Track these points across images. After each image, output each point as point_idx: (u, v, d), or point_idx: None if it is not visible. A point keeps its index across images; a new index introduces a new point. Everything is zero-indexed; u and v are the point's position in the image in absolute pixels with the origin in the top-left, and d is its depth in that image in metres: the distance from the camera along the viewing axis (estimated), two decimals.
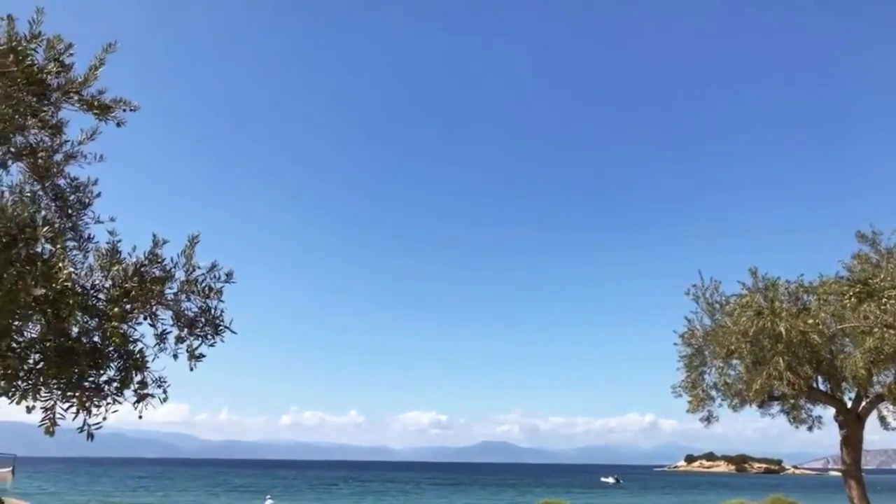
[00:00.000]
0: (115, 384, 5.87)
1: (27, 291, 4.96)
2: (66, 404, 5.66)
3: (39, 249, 5.29)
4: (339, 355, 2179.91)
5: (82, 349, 5.73)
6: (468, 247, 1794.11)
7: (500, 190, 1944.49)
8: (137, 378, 5.90)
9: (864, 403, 17.16)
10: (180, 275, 6.12)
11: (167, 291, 6.06)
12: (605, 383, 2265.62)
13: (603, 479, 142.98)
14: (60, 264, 5.22)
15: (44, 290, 5.06)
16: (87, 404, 5.68)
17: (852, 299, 14.10)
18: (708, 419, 17.96)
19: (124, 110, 6.54)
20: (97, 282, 6.02)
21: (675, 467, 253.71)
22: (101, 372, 5.88)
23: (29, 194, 6.43)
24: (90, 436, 5.72)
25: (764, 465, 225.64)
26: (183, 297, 6.13)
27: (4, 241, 4.99)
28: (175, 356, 6.14)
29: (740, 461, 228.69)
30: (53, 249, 5.35)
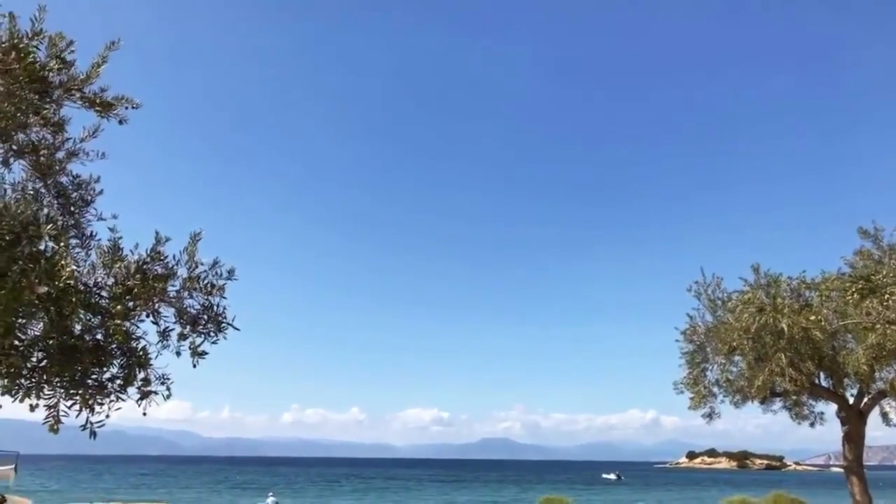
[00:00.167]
0: (118, 382, 5.86)
1: (31, 289, 4.95)
2: (70, 402, 5.66)
3: (42, 247, 5.28)
4: (340, 353, 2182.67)
5: (85, 347, 5.72)
6: (469, 244, 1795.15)
7: (500, 187, 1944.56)
8: (140, 375, 5.89)
9: (866, 400, 17.16)
10: (183, 272, 6.10)
11: (170, 289, 6.05)
12: (607, 380, 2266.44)
13: (605, 476, 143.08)
14: (63, 262, 5.21)
15: (47, 288, 5.05)
16: (90, 402, 5.68)
17: (855, 295, 14.09)
18: (710, 416, 17.96)
19: (126, 108, 6.54)
20: (100, 279, 6.01)
21: (677, 464, 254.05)
22: (104, 369, 5.87)
23: (31, 192, 6.43)
24: (93, 433, 5.72)
25: (765, 462, 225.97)
26: (185, 294, 6.12)
27: (8, 238, 4.98)
28: (178, 353, 6.14)
29: (742, 457, 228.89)
30: (56, 247, 5.34)
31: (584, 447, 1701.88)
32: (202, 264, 6.13)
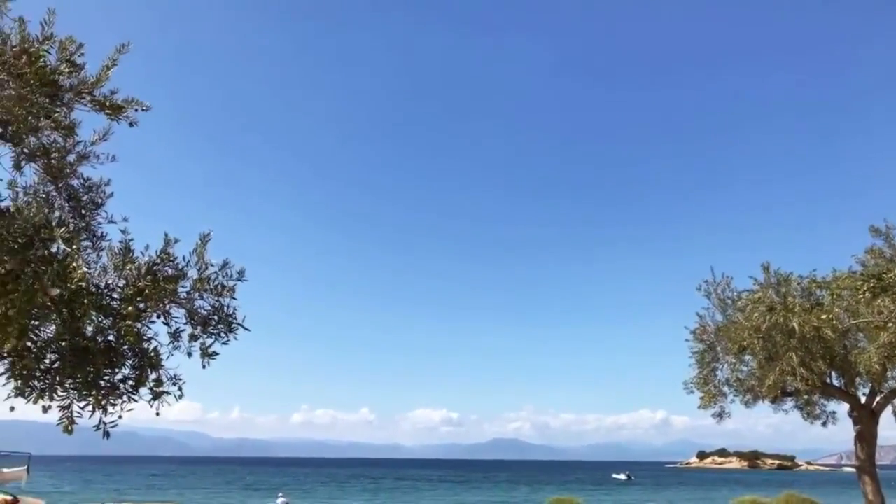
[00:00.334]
0: (130, 382, 5.91)
1: (43, 291, 5.00)
2: (83, 403, 5.70)
3: (55, 250, 5.33)
4: (349, 353, 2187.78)
5: (97, 348, 5.77)
6: (479, 244, 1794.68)
7: (505, 186, 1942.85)
8: (152, 376, 5.94)
9: (878, 399, 17.03)
10: (193, 273, 6.14)
11: (180, 290, 6.09)
12: (616, 380, 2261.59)
13: (615, 476, 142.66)
14: (75, 264, 5.26)
15: (59, 290, 5.10)
16: (103, 403, 5.72)
17: (866, 294, 13.97)
18: (720, 415, 17.87)
19: (136, 110, 6.58)
20: (111, 281, 6.06)
21: (687, 464, 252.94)
22: (117, 371, 5.92)
23: (43, 195, 6.49)
24: (106, 434, 5.77)
25: (777, 462, 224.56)
26: (196, 295, 6.16)
27: (21, 241, 5.03)
28: (189, 354, 6.18)
29: (753, 457, 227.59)
30: (68, 250, 5.39)
31: (593, 447, 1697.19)
32: (212, 265, 6.17)
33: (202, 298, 6.19)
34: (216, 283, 6.15)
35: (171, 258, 6.03)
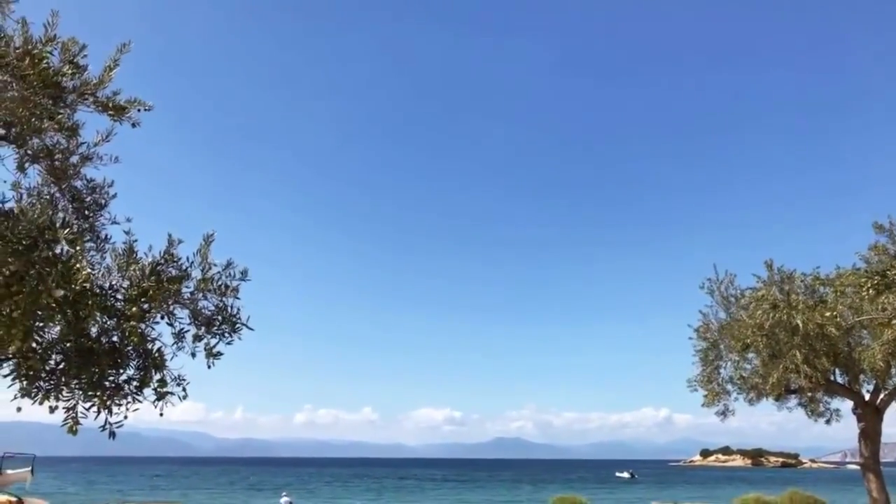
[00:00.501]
0: (134, 383, 5.92)
1: (48, 293, 5.01)
2: (88, 403, 5.72)
3: (59, 251, 5.34)
4: (352, 353, 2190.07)
5: (102, 349, 5.78)
6: (481, 243, 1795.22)
7: (510, 186, 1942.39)
8: (157, 377, 5.95)
9: (882, 395, 17.00)
10: (196, 273, 6.15)
11: (184, 290, 6.10)
12: (619, 378, 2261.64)
13: (618, 475, 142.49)
14: (79, 265, 5.27)
15: (63, 292, 5.10)
16: (108, 403, 5.74)
17: (870, 291, 13.95)
18: (724, 413, 17.82)
19: (139, 110, 6.59)
20: (115, 282, 6.07)
21: (691, 462, 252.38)
22: (121, 371, 5.93)
23: (47, 196, 6.50)
24: (112, 434, 5.78)
25: (780, 459, 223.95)
26: (200, 295, 6.16)
27: (25, 243, 5.04)
28: (193, 354, 6.19)
29: (756, 455, 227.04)
30: (72, 251, 5.40)
31: (596, 446, 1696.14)
32: (216, 266, 6.18)
33: (206, 299, 6.20)
34: (220, 283, 6.16)
35: (175, 259, 6.04)
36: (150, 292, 5.81)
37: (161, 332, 6.14)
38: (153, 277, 5.86)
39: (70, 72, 6.05)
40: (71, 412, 5.64)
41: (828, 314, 15.01)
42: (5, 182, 6.32)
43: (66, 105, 6.23)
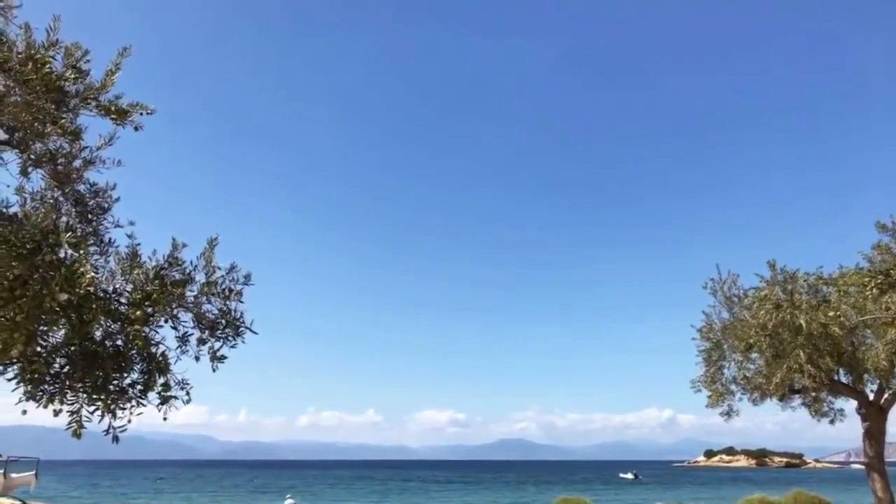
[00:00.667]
0: (138, 387, 5.93)
1: (52, 297, 5.01)
2: (92, 407, 5.73)
3: (62, 255, 5.35)
4: (355, 355, 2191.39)
5: (106, 353, 5.79)
6: (483, 244, 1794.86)
7: (512, 186, 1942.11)
8: (161, 380, 5.95)
9: (886, 395, 16.97)
10: (200, 277, 6.16)
11: (188, 294, 6.11)
12: (623, 379, 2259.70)
13: (622, 475, 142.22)
14: (83, 269, 5.27)
15: (67, 296, 5.11)
16: (112, 407, 5.74)
17: (873, 290, 13.92)
18: (728, 413, 17.79)
19: (141, 114, 6.60)
20: (118, 286, 6.08)
21: (695, 462, 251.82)
22: (125, 375, 5.94)
23: (50, 201, 6.51)
24: (115, 438, 5.78)
25: (785, 459, 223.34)
26: (203, 299, 6.17)
27: (29, 247, 5.05)
28: (197, 358, 6.19)
29: (760, 455, 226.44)
30: (76, 255, 5.41)
31: (600, 447, 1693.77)
32: (219, 269, 6.19)
33: (210, 302, 6.21)
34: (223, 286, 6.17)
35: (179, 262, 6.06)
36: (154, 296, 5.82)
37: (165, 336, 6.15)
38: (157, 281, 5.87)
39: (73, 76, 6.06)
40: (75, 416, 5.65)
41: (831, 314, 14.98)
42: (9, 186, 6.33)
43: (68, 109, 6.25)
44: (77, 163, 6.68)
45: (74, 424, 5.64)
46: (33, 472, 31.79)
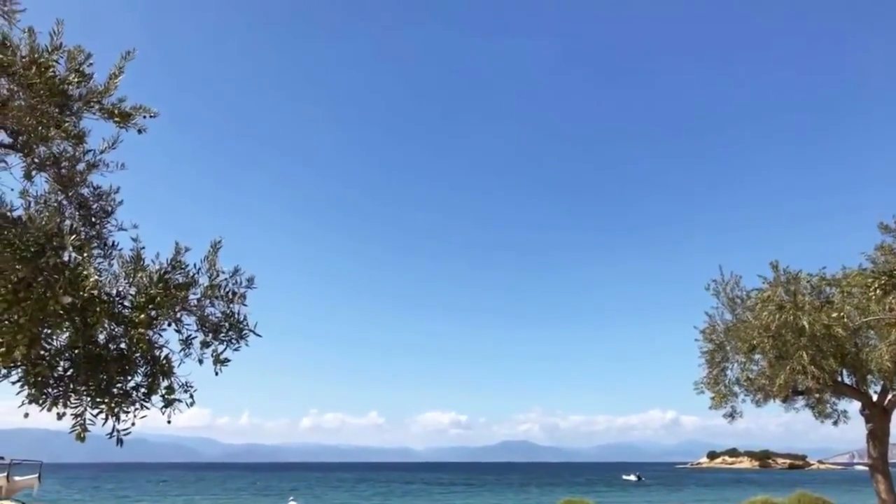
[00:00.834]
0: (142, 390, 5.93)
1: (56, 300, 5.02)
2: (96, 410, 5.73)
3: (66, 258, 5.36)
4: (358, 357, 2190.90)
5: (110, 356, 5.79)
6: (485, 245, 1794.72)
7: (513, 187, 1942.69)
8: (164, 384, 5.96)
9: (890, 396, 16.93)
10: (204, 280, 6.16)
11: (191, 297, 6.11)
12: (626, 381, 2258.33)
13: (625, 477, 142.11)
14: (87, 272, 5.29)
15: (71, 299, 5.12)
16: (115, 410, 5.74)
17: (877, 291, 13.88)
18: (731, 415, 17.78)
19: (144, 117, 6.61)
20: (122, 289, 6.08)
21: (698, 464, 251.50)
22: (129, 378, 5.94)
23: (54, 204, 6.52)
24: (119, 441, 5.79)
25: (788, 461, 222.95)
26: (207, 302, 6.17)
27: (33, 250, 5.06)
28: (200, 361, 6.19)
29: (764, 457, 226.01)
30: (80, 258, 5.42)
31: (603, 448, 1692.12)
32: (223, 272, 6.19)
33: (213, 305, 6.21)
34: (227, 289, 6.17)
35: (183, 265, 6.06)
36: (158, 299, 5.82)
37: (169, 339, 6.15)
38: (161, 284, 5.87)
39: (76, 80, 6.07)
40: (79, 419, 5.65)
41: (834, 315, 14.97)
42: (13, 190, 6.34)
43: (72, 113, 6.25)
44: (81, 166, 6.68)
45: (78, 427, 5.64)
46: (36, 476, 31.85)
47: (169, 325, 6.14)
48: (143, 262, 6.06)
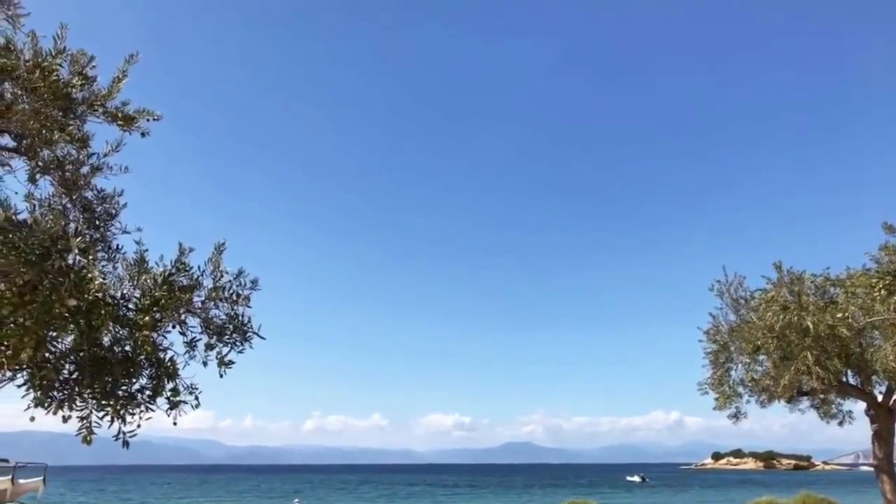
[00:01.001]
0: (147, 392, 5.95)
1: (61, 302, 5.04)
2: (101, 413, 5.74)
3: (71, 261, 5.37)
4: (361, 359, 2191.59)
5: (115, 358, 5.81)
6: (489, 249, 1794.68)
7: (515, 189, 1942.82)
8: (169, 386, 5.97)
9: (895, 397, 16.88)
10: (208, 282, 6.18)
11: (195, 299, 6.12)
12: (629, 382, 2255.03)
13: (629, 478, 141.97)
14: (91, 275, 5.30)
15: (76, 301, 5.14)
16: (121, 412, 5.76)
17: (881, 291, 13.84)
18: (736, 416, 17.72)
19: (147, 120, 6.63)
20: (127, 291, 6.10)
21: (702, 465, 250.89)
22: (134, 380, 5.95)
23: (59, 207, 6.53)
24: (125, 443, 5.80)
25: (793, 462, 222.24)
26: (211, 304, 6.19)
27: (38, 253, 5.08)
28: (205, 363, 6.21)
29: (768, 458, 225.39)
30: (85, 261, 5.43)
31: (606, 449, 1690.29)
32: (227, 274, 6.21)
33: (217, 308, 6.22)
34: (231, 291, 6.19)
35: (187, 268, 6.07)
36: (162, 301, 5.83)
37: (173, 342, 6.17)
38: (165, 287, 5.89)
39: (79, 83, 6.10)
40: (85, 422, 5.66)
41: (839, 315, 14.91)
42: (17, 193, 6.36)
43: (76, 116, 6.28)
44: (84, 169, 6.70)
45: (84, 430, 5.65)
46: (41, 478, 31.88)
47: (173, 327, 6.15)
48: (146, 264, 6.08)
